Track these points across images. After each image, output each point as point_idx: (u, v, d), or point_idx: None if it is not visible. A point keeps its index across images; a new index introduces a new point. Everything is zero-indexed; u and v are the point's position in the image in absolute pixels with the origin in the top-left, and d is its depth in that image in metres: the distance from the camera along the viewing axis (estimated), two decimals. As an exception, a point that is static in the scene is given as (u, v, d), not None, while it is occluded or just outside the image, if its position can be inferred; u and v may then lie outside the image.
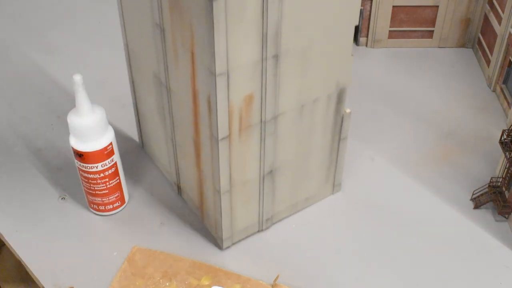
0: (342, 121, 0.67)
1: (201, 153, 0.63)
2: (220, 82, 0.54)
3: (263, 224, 0.69)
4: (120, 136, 0.80)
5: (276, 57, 0.57)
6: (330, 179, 0.72)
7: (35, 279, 0.66)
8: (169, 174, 0.75)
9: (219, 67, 0.53)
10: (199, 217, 0.71)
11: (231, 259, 0.67)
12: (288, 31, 0.56)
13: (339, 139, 0.69)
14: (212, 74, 0.54)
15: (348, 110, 0.67)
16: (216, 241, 0.69)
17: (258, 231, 0.70)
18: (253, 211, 0.67)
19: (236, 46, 0.53)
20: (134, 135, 0.80)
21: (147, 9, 0.62)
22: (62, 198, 0.74)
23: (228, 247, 0.68)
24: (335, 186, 0.73)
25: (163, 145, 0.73)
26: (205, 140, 0.61)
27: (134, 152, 0.81)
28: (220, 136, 0.58)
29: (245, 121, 0.59)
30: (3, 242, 0.71)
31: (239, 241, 0.69)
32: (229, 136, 0.59)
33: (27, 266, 0.67)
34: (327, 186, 0.73)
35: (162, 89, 0.66)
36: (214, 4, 0.50)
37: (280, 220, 0.71)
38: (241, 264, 0.67)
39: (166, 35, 0.60)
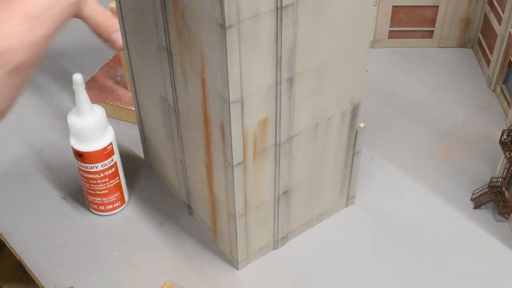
0: (356, 136, 0.66)
1: (213, 177, 0.62)
2: (234, 110, 0.52)
3: (278, 243, 0.68)
4: (121, 135, 0.80)
5: (290, 80, 0.55)
6: (344, 193, 0.71)
7: (35, 279, 0.66)
8: (178, 193, 0.73)
9: (233, 95, 0.51)
10: (212, 238, 0.69)
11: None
12: (302, 54, 0.54)
13: (353, 154, 0.67)
14: (226, 101, 0.52)
15: (362, 125, 0.65)
16: (231, 261, 0.67)
17: (273, 249, 0.69)
18: (268, 231, 0.66)
19: (250, 73, 0.51)
20: (136, 135, 0.80)
21: (152, 31, 0.59)
22: (62, 198, 0.74)
23: (244, 266, 0.67)
24: (349, 200, 0.72)
25: (172, 165, 0.71)
26: (218, 164, 0.59)
27: (135, 153, 0.81)
28: (234, 163, 0.56)
29: (259, 145, 0.57)
30: (3, 242, 0.70)
31: (255, 259, 0.68)
32: (243, 162, 0.57)
33: (27, 266, 0.67)
34: (341, 200, 0.71)
35: (170, 111, 0.64)
36: (227, 31, 0.47)
37: (295, 237, 0.70)
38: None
39: (173, 58, 0.58)
